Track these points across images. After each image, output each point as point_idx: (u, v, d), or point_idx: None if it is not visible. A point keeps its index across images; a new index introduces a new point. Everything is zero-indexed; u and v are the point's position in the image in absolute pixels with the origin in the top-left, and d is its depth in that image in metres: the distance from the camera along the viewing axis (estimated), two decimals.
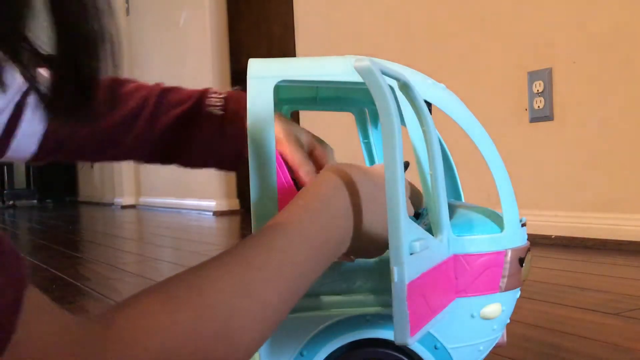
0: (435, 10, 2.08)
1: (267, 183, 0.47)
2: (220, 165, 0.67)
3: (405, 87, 0.41)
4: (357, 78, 0.50)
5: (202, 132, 0.64)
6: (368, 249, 0.45)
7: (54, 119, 0.29)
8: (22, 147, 0.61)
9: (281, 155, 0.58)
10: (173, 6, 3.98)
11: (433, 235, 0.45)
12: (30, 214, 4.67)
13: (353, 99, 0.71)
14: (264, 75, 0.48)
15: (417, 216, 0.54)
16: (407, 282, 0.34)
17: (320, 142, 0.63)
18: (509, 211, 0.50)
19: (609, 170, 1.62)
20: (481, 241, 0.48)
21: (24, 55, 0.27)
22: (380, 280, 0.50)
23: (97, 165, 5.42)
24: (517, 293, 0.51)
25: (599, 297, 1.06)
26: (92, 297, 1.27)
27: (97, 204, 5.30)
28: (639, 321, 0.90)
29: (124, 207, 4.66)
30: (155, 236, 2.66)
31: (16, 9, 0.26)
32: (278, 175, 0.48)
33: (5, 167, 6.31)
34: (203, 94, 0.65)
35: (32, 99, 0.60)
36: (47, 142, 0.63)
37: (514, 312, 0.52)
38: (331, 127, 1.78)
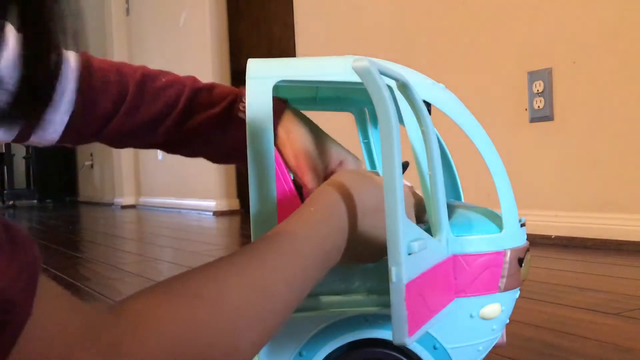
0: (435, 10, 2.08)
1: (266, 183, 0.47)
2: (243, 166, 0.68)
3: (404, 87, 0.41)
4: (356, 78, 0.50)
5: (229, 136, 0.63)
6: (368, 256, 0.47)
7: (6, 126, 0.29)
8: (46, 134, 0.61)
9: (283, 158, 0.58)
10: (173, 6, 3.98)
11: (432, 235, 0.45)
12: (30, 214, 4.67)
13: (353, 99, 0.71)
14: (263, 75, 0.48)
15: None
16: (405, 282, 0.34)
17: (340, 150, 0.62)
18: (508, 211, 0.50)
19: (609, 170, 1.62)
20: (480, 241, 0.48)
21: None
22: (379, 280, 0.50)
23: (97, 165, 5.42)
24: (516, 293, 0.51)
25: (599, 297, 1.06)
26: (92, 297, 1.27)
27: (97, 204, 5.30)
28: (639, 321, 0.90)
29: (124, 207, 4.66)
30: (155, 236, 2.66)
31: None
32: (277, 177, 0.48)
33: (5, 167, 6.32)
34: (236, 97, 0.64)
35: (58, 88, 0.59)
36: (75, 134, 0.62)
37: (514, 312, 0.52)
38: (331, 127, 1.78)
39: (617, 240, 1.58)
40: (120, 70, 0.63)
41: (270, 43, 3.29)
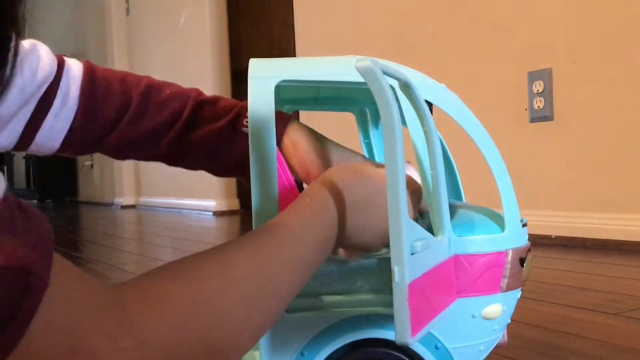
0: (435, 10, 2.08)
1: (268, 182, 0.47)
2: (246, 180, 0.68)
3: (406, 87, 0.42)
4: (358, 78, 0.50)
5: (232, 151, 0.63)
6: (370, 245, 0.47)
7: None
8: (46, 142, 0.61)
9: (291, 169, 0.58)
10: (173, 6, 3.98)
11: (434, 235, 0.45)
12: None
13: (354, 99, 0.71)
14: (265, 75, 0.48)
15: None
16: (408, 282, 0.34)
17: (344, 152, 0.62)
18: (510, 211, 0.50)
19: (609, 170, 1.62)
20: (482, 241, 0.49)
21: None
22: (381, 280, 0.50)
23: (97, 165, 5.42)
24: (518, 293, 0.51)
25: (599, 297, 1.06)
26: None
27: (97, 204, 5.30)
28: (639, 321, 0.90)
29: (124, 207, 4.66)
30: (155, 236, 2.66)
31: None
32: (279, 175, 0.48)
33: (5, 167, 6.32)
34: (240, 111, 0.64)
35: (59, 95, 0.60)
36: (76, 141, 0.62)
37: (514, 312, 0.52)
38: (332, 127, 1.78)
39: (617, 240, 1.58)
40: (124, 80, 0.63)
41: (270, 43, 3.29)
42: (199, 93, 0.66)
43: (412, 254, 0.35)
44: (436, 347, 0.49)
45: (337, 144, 0.63)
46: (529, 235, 0.53)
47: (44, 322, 0.25)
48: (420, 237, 0.38)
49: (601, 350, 0.77)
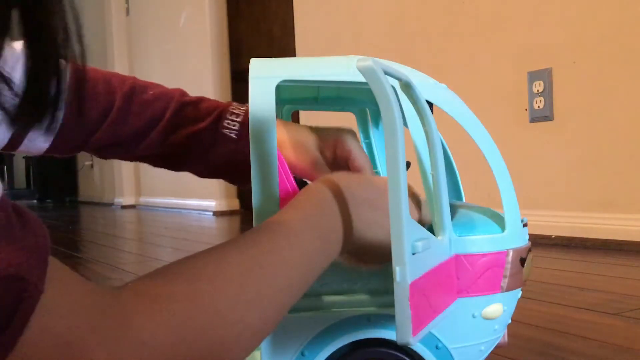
0: (435, 10, 2.08)
1: (269, 182, 0.47)
2: (230, 182, 0.68)
3: (407, 87, 0.42)
4: (359, 78, 0.50)
5: (214, 153, 0.63)
6: (369, 255, 0.47)
7: (18, 129, 0.30)
8: (34, 144, 0.61)
9: (287, 160, 0.58)
10: (173, 6, 3.98)
11: (434, 235, 0.45)
12: None
13: (354, 99, 0.71)
14: (266, 75, 0.48)
15: None
16: (409, 282, 0.34)
17: (346, 136, 0.61)
18: (511, 211, 0.50)
19: (609, 170, 1.62)
20: (483, 241, 0.49)
21: None
22: (382, 280, 0.50)
23: (97, 165, 5.42)
24: (518, 293, 0.52)
25: (599, 297, 1.06)
26: None
27: (97, 204, 5.30)
28: (639, 321, 0.90)
29: (124, 207, 4.66)
30: (155, 236, 2.66)
31: None
32: (280, 175, 0.48)
33: (5, 167, 6.31)
34: (222, 113, 0.64)
35: None
36: (62, 143, 0.63)
37: (514, 312, 0.52)
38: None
39: (617, 240, 1.58)
40: (109, 80, 0.63)
41: (270, 43, 3.29)
42: (182, 94, 0.66)
43: (413, 253, 0.35)
44: (437, 347, 0.49)
45: (314, 127, 0.62)
46: (529, 235, 0.53)
47: (39, 328, 0.26)
48: (422, 237, 0.38)
49: (601, 350, 0.77)
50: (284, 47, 3.11)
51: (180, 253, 2.01)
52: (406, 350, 0.49)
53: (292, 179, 0.50)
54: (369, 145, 0.75)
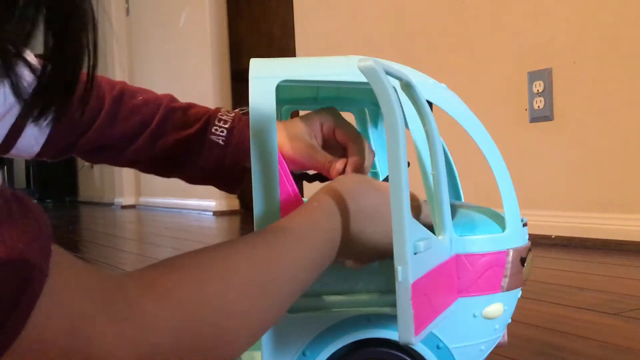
0: (435, 10, 2.08)
1: (270, 183, 0.47)
2: (219, 187, 0.68)
3: (408, 87, 0.42)
4: (359, 78, 0.50)
5: (202, 159, 0.64)
6: (365, 258, 0.48)
7: (34, 120, 0.30)
8: (26, 147, 0.62)
9: (285, 155, 0.58)
10: (173, 6, 3.98)
11: (435, 235, 0.45)
12: None
13: (353, 99, 0.71)
14: (266, 75, 0.49)
15: None
16: (411, 281, 0.34)
17: (326, 115, 0.61)
18: (511, 211, 0.50)
19: (609, 170, 1.62)
20: (483, 241, 0.49)
21: (10, 59, 0.27)
22: (383, 280, 0.50)
23: (97, 165, 5.42)
24: (518, 293, 0.52)
25: (599, 297, 1.06)
26: None
27: (97, 204, 5.30)
28: (639, 321, 0.90)
29: (124, 207, 4.66)
30: (155, 236, 2.66)
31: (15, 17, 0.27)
32: (280, 177, 0.48)
33: (5, 167, 6.31)
34: (209, 119, 0.64)
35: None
36: (51, 145, 0.63)
37: (514, 312, 0.52)
38: None
39: (617, 240, 1.58)
40: (99, 84, 0.64)
41: (270, 43, 3.29)
42: (171, 100, 0.66)
43: (415, 253, 0.35)
44: (438, 347, 0.49)
45: (303, 116, 0.62)
46: (529, 235, 0.53)
47: (45, 312, 0.26)
48: (423, 236, 0.38)
49: (601, 350, 0.77)
50: (284, 47, 3.11)
51: (180, 253, 2.00)
52: (407, 350, 0.49)
53: (292, 180, 0.50)
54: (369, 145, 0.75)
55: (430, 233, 0.41)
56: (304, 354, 0.48)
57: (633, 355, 0.76)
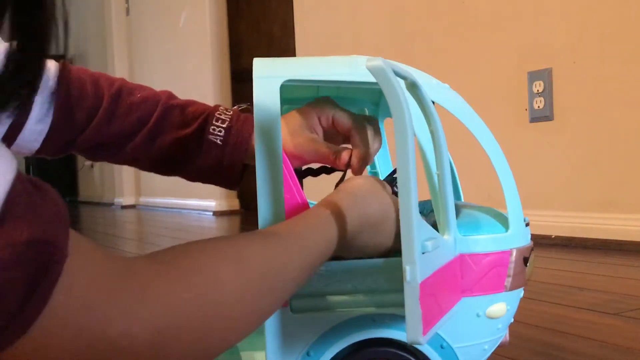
0: (435, 10, 2.08)
1: (275, 183, 0.47)
2: (217, 185, 0.68)
3: (413, 87, 0.42)
4: (363, 78, 0.50)
5: (200, 159, 0.64)
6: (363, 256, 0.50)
7: None
8: (26, 143, 0.62)
9: (287, 152, 0.58)
10: (173, 6, 3.98)
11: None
12: None
13: (354, 99, 0.71)
14: (270, 75, 0.49)
15: None
16: (419, 281, 0.35)
17: (323, 106, 0.60)
18: (514, 211, 0.50)
19: (609, 170, 1.62)
20: (487, 241, 0.49)
21: None
22: (387, 280, 0.50)
23: (97, 165, 5.41)
24: (521, 292, 0.52)
25: (599, 297, 1.06)
26: None
27: (97, 204, 5.30)
28: (639, 321, 0.90)
29: (124, 207, 4.66)
30: (155, 236, 2.66)
31: None
32: (285, 177, 0.48)
33: None
34: (207, 118, 0.63)
35: (39, 98, 0.60)
36: (51, 142, 0.63)
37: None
38: None
39: (617, 240, 1.58)
40: (97, 81, 0.63)
41: (270, 43, 3.29)
42: (169, 97, 0.66)
43: (423, 253, 0.36)
44: (441, 347, 0.49)
45: (301, 108, 0.61)
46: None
47: (65, 291, 0.26)
48: (430, 236, 0.38)
49: (601, 350, 0.78)
50: (284, 47, 3.11)
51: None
52: (411, 349, 0.49)
53: (297, 180, 0.50)
54: None
55: (437, 233, 0.41)
56: (308, 353, 0.48)
57: (633, 355, 0.76)
